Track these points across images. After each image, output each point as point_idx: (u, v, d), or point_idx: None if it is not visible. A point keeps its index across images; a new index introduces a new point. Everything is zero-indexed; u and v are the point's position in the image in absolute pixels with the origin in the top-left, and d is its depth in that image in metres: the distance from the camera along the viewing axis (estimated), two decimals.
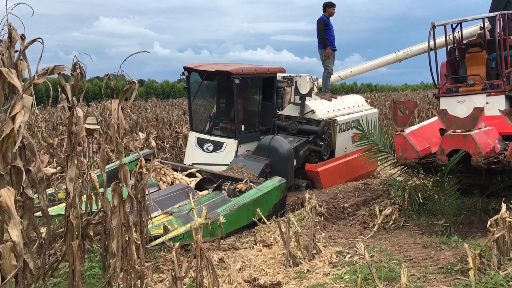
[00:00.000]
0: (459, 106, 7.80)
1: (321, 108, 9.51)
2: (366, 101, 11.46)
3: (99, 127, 10.50)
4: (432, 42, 8.21)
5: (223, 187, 7.37)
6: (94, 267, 4.83)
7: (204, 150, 8.99)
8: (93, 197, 4.66)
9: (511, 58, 8.31)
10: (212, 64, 9.44)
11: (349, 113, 10.02)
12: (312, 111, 9.26)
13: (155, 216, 6.14)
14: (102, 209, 4.43)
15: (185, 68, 9.02)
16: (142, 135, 11.20)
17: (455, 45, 9.03)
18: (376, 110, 11.28)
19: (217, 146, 8.90)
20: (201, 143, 9.06)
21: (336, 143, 9.39)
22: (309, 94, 9.39)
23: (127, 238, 3.92)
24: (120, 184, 3.96)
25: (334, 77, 12.55)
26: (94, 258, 5.07)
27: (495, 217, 4.49)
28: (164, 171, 7.72)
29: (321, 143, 9.05)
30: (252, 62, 10.80)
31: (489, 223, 4.51)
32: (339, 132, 9.41)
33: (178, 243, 4.78)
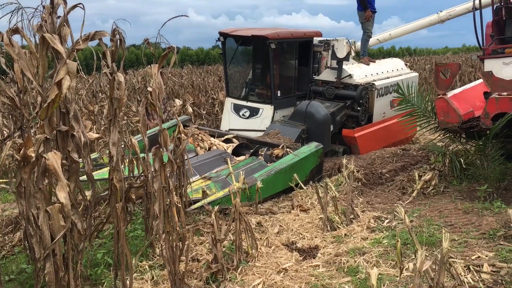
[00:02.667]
0: (505, 68, 7.42)
1: (358, 72, 9.31)
2: (406, 65, 11.13)
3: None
4: (477, 1, 7.80)
5: (259, 152, 7.39)
6: (137, 229, 4.99)
7: (240, 116, 9.01)
8: (135, 161, 4.80)
9: None
10: (247, 29, 9.33)
11: (388, 77, 9.77)
12: (350, 76, 9.09)
13: (194, 181, 6.24)
14: (143, 173, 4.57)
15: (221, 34, 8.96)
16: (179, 102, 11.30)
17: (502, 3, 8.56)
18: (415, 74, 10.96)
19: (254, 112, 8.89)
20: (237, 109, 9.07)
21: (374, 108, 9.23)
22: (346, 58, 9.18)
23: (168, 201, 4.02)
24: (161, 149, 4.04)
25: (372, 40, 12.15)
26: (136, 220, 5.24)
27: None
28: (201, 136, 7.81)
29: (358, 108, 8.91)
30: (287, 27, 10.64)
31: None
32: (377, 97, 9.23)
33: (217, 207, 4.89)
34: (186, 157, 5.26)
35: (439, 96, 6.15)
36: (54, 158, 2.96)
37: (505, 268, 3.83)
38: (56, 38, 2.99)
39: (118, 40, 3.79)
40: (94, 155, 6.79)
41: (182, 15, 4.04)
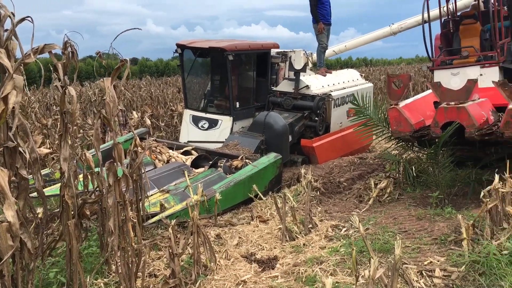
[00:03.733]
0: (453, 79, 7.78)
1: (315, 83, 9.48)
2: (361, 75, 11.42)
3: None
4: (426, 15, 8.14)
5: (219, 164, 7.37)
6: (92, 246, 4.86)
7: (199, 128, 8.98)
8: (89, 176, 4.69)
9: (505, 30, 8.27)
10: (205, 40, 9.35)
11: (344, 88, 10.00)
12: (307, 87, 9.24)
13: (152, 194, 6.16)
14: (98, 188, 4.47)
15: (178, 45, 8.94)
16: (136, 114, 11.16)
17: (449, 17, 8.96)
18: (371, 84, 11.26)
19: (212, 124, 8.89)
20: (196, 120, 9.05)
21: (331, 118, 9.40)
22: (303, 69, 9.34)
23: (123, 217, 3.95)
24: (115, 163, 3.97)
25: (328, 51, 12.46)
26: (91, 237, 5.11)
27: (488, 188, 4.53)
28: (159, 149, 7.73)
29: (316, 118, 9.04)
30: (247, 38, 10.75)
31: (482, 194, 4.56)
32: (334, 107, 9.41)
33: (175, 220, 4.84)
34: (143, 171, 5.21)
35: (391, 106, 6.34)
36: (1, 176, 2.87)
37: (456, 272, 3.97)
38: (2, 52, 2.91)
39: (70, 53, 3.73)
40: (46, 171, 6.59)
41: (136, 28, 4.00)
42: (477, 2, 9.03)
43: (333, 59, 39.99)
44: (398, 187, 6.91)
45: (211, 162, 7.35)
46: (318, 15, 9.77)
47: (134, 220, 4.15)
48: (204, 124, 8.95)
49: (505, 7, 8.47)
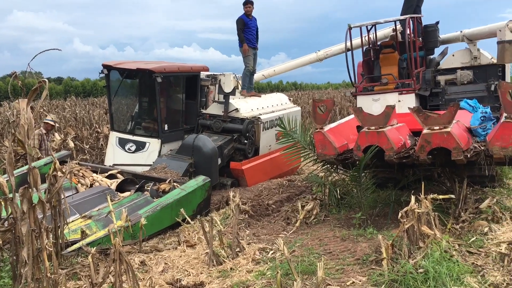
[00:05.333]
0: (374, 104, 8.20)
1: (245, 106, 9.59)
2: (289, 99, 11.72)
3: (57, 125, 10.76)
4: (348, 43, 8.56)
5: (145, 188, 7.21)
6: (4, 277, 4.53)
7: (126, 151, 8.74)
8: (2, 203, 4.39)
9: (420, 59, 8.88)
10: (133, 62, 9.20)
11: (273, 111, 10.19)
12: (236, 110, 9.32)
13: (73, 221, 5.88)
14: (11, 216, 4.19)
15: (104, 66, 8.71)
16: (58, 136, 10.66)
17: (370, 46, 9.48)
18: (298, 108, 11.57)
19: (140, 146, 8.70)
20: (122, 143, 8.80)
21: (260, 141, 9.53)
22: (233, 92, 9.44)
23: (38, 245, 3.72)
24: (30, 189, 3.75)
25: (258, 75, 12.73)
26: (4, 268, 4.76)
27: (405, 209, 4.76)
28: (82, 173, 7.41)
29: (245, 141, 9.13)
30: (179, 60, 10.73)
31: (400, 214, 4.78)
32: (263, 130, 9.55)
33: (96, 247, 4.63)
34: (63, 196, 4.96)
35: (317, 130, 6.53)
36: None
37: None
38: None
39: None
40: None
41: (55, 49, 3.86)
42: (395, 33, 9.63)
43: (264, 82, 40.82)
44: (324, 209, 7.08)
45: (137, 186, 7.16)
46: (243, 38, 9.98)
47: (50, 248, 3.92)
48: (131, 146, 8.73)
49: (420, 39, 9.11)
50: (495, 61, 8.61)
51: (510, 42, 7.88)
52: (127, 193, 7.02)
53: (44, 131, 8.95)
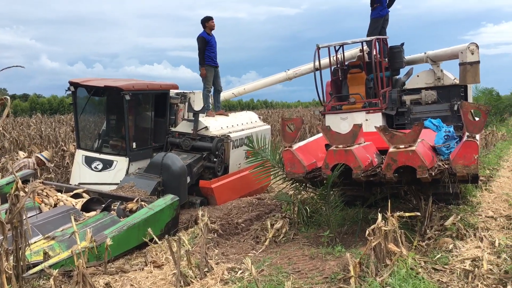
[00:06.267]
0: (342, 123, 8.34)
1: (214, 124, 9.58)
2: (259, 118, 11.77)
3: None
4: (317, 63, 8.71)
5: (112, 207, 7.06)
6: None
7: (92, 169, 8.57)
8: None
9: (387, 79, 9.11)
10: (101, 79, 9.08)
11: (243, 130, 10.21)
12: (206, 128, 9.30)
13: (35, 242, 5.69)
14: None
15: (71, 83, 8.57)
16: (22, 154, 10.36)
17: (338, 65, 9.67)
18: (268, 127, 11.62)
19: (107, 165, 8.54)
20: (89, 161, 8.62)
21: (230, 159, 9.50)
22: (202, 110, 9.42)
23: None
24: None
25: (228, 93, 12.78)
26: None
27: (372, 227, 4.81)
28: (46, 192, 7.21)
29: (215, 159, 9.09)
30: (149, 78, 10.66)
31: (367, 232, 4.82)
32: (232, 148, 9.54)
33: (59, 269, 4.48)
34: (25, 216, 4.80)
35: (285, 149, 6.57)
36: None
37: None
38: None
39: None
40: None
41: (18, 66, 3.77)
42: (362, 53, 9.87)
43: (235, 100, 41.03)
44: (293, 227, 7.08)
45: (103, 205, 7.00)
46: (204, 60, 9.77)
47: (10, 271, 3.78)
48: (97, 165, 8.56)
49: (385, 59, 9.36)
50: (457, 81, 8.90)
51: (471, 63, 8.18)
52: (93, 213, 6.86)
53: (31, 164, 8.72)
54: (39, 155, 9.11)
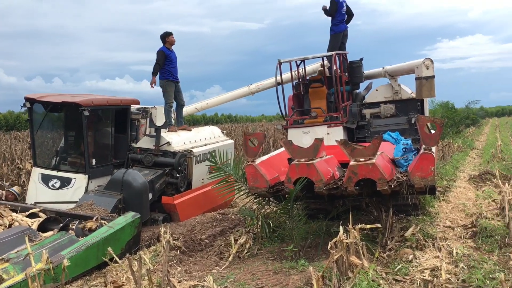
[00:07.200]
0: (304, 137, 8.41)
1: (177, 139, 9.49)
2: (223, 132, 11.75)
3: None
4: (279, 77, 8.79)
5: (70, 226, 6.84)
6: None
7: (49, 187, 8.32)
8: None
9: (347, 93, 9.28)
10: (58, 94, 8.88)
11: (206, 144, 10.15)
12: (168, 143, 9.20)
13: None
14: None
15: (27, 99, 8.33)
16: None
17: (300, 80, 9.79)
18: (231, 141, 11.61)
19: (65, 182, 8.31)
20: (46, 179, 8.37)
21: (193, 175, 9.42)
22: (164, 126, 9.32)
23: None
24: None
25: (190, 108, 12.71)
26: None
27: (334, 240, 4.84)
28: (0, 212, 6.93)
29: (177, 175, 8.99)
30: (111, 92, 10.45)
31: (329, 245, 4.85)
32: (195, 164, 9.46)
33: None
34: None
35: (248, 163, 6.56)
36: None
37: None
38: None
39: None
40: None
41: None
42: (323, 68, 10.03)
43: (199, 114, 40.80)
44: (257, 242, 7.05)
45: (61, 225, 6.78)
46: (157, 71, 9.63)
47: None
48: (55, 183, 8.31)
49: (346, 74, 9.55)
50: (414, 95, 9.16)
51: (427, 78, 8.44)
52: (50, 233, 6.61)
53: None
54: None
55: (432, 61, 8.42)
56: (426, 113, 9.28)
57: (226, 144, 10.82)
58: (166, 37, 9.75)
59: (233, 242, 6.90)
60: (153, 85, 9.66)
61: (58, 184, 8.31)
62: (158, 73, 9.66)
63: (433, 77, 8.45)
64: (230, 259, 6.50)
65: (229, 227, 8.42)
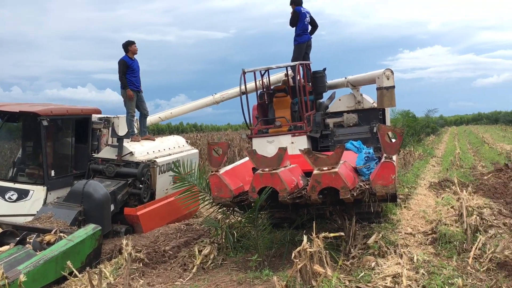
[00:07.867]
0: (269, 146, 8.43)
1: (140, 149, 9.34)
2: (187, 142, 11.65)
3: None
4: (243, 87, 8.81)
5: (28, 240, 6.60)
6: None
7: (6, 200, 8.01)
8: None
9: (311, 103, 9.38)
10: (15, 104, 8.62)
11: (170, 154, 10.04)
12: (131, 153, 9.05)
13: None
14: None
15: None
16: None
17: (264, 90, 9.84)
18: (196, 151, 11.53)
19: (22, 194, 8.02)
20: (2, 191, 8.06)
21: (157, 185, 9.30)
22: (126, 135, 9.17)
23: None
24: None
25: (154, 118, 12.55)
26: None
27: (298, 249, 4.85)
28: None
29: (140, 185, 8.84)
30: (73, 101, 10.20)
31: (293, 254, 4.86)
32: (159, 174, 9.34)
33: None
34: None
35: (212, 173, 6.51)
36: None
37: None
38: None
39: None
40: None
41: None
42: (287, 78, 10.13)
43: (164, 124, 40.36)
44: (222, 252, 6.99)
45: (18, 239, 6.53)
46: (126, 82, 9.53)
47: None
48: (12, 195, 8.02)
49: (309, 84, 9.66)
50: (376, 105, 9.35)
51: (387, 88, 8.62)
52: (6, 247, 6.37)
53: None
54: None
55: (392, 72, 8.60)
56: (388, 122, 9.47)
57: (191, 153, 10.73)
58: (128, 46, 9.62)
59: (197, 253, 6.81)
60: (132, 97, 9.52)
61: (15, 196, 8.02)
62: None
63: (393, 87, 8.63)
64: (194, 270, 6.41)
65: (194, 238, 8.33)
